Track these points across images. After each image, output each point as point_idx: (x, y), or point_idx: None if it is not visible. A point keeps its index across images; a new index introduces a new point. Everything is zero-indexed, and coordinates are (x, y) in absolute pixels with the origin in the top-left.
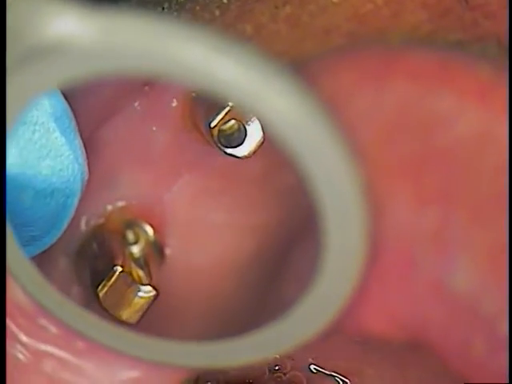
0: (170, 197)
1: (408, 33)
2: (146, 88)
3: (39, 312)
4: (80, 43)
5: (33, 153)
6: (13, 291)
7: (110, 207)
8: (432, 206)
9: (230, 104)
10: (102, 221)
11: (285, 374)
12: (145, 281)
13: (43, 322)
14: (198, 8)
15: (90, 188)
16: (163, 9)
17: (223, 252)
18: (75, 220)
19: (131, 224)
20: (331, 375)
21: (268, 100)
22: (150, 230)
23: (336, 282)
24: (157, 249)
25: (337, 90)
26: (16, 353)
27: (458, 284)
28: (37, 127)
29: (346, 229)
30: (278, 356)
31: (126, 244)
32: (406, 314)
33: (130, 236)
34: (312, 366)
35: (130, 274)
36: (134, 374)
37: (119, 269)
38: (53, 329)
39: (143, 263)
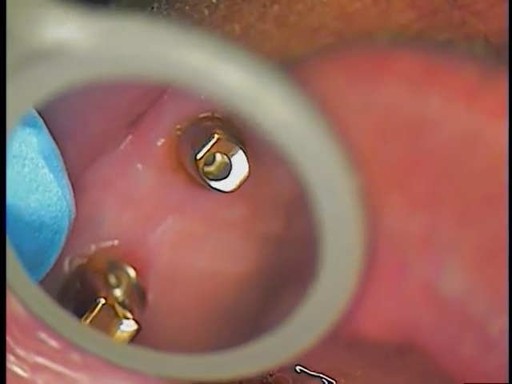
0: (153, 239)
1: (396, 32)
2: (132, 129)
3: (36, 325)
4: (79, 47)
5: (22, 185)
6: (10, 305)
7: (93, 247)
8: (421, 209)
9: (216, 136)
10: (84, 261)
11: (271, 376)
12: (128, 316)
13: (40, 335)
14: (187, 8)
15: (73, 228)
16: (152, 8)
17: (205, 298)
18: (58, 260)
19: (114, 266)
20: (318, 377)
21: (265, 103)
22: (132, 273)
23: (334, 290)
24: (139, 293)
25: (327, 93)
26: (12, 366)
27: (447, 287)
28: (26, 162)
29: (343, 234)
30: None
31: (109, 286)
32: (397, 318)
33: (112, 280)
34: (298, 368)
35: (113, 307)
36: None
37: (102, 301)
38: (49, 342)
39: (126, 303)
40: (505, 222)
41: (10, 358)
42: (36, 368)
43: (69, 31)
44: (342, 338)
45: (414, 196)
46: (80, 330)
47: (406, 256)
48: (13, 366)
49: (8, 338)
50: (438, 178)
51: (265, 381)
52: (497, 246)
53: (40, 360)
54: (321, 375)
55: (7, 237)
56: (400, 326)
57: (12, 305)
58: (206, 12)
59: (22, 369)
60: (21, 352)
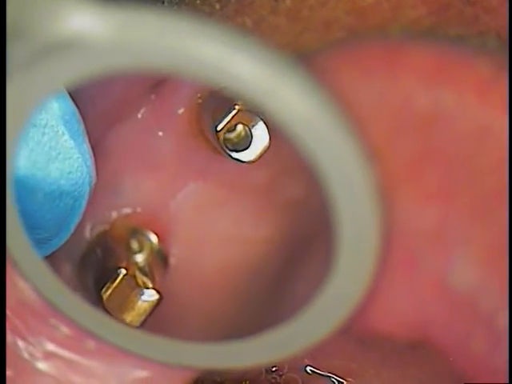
0: (175, 204)
1: (408, 27)
2: (153, 96)
3: (49, 311)
4: (95, 39)
5: (42, 155)
6: (22, 290)
7: (114, 214)
8: (433, 202)
9: (237, 108)
10: (106, 228)
11: (281, 376)
12: (149, 285)
13: (53, 321)
14: (198, 1)
15: (95, 194)
16: (163, 2)
17: (227, 263)
18: (80, 227)
19: (136, 232)
20: (328, 376)
21: (282, 96)
22: (154, 239)
23: (350, 281)
24: (161, 258)
25: (341, 86)
26: (23, 353)
27: (457, 280)
28: (46, 130)
29: (359, 226)
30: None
31: (131, 252)
32: (409, 311)
33: (134, 245)
34: (308, 368)
35: (134, 277)
36: (142, 374)
37: (123, 271)
38: (63, 329)
39: (147, 270)
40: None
41: (22, 345)
42: (48, 355)
43: (85, 23)
44: (355, 332)
45: (426, 189)
46: (94, 316)
47: (418, 249)
48: (25, 354)
49: (21, 325)
50: (450, 171)
51: (273, 381)
52: (506, 240)
53: (53, 347)
54: (330, 375)
55: (21, 221)
56: (411, 319)
57: (25, 291)
58: (217, 6)
59: (35, 356)
60: (33, 339)
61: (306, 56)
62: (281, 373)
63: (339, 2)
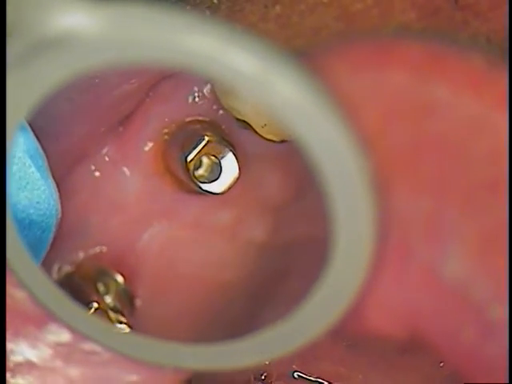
0: (140, 245)
1: (398, 32)
2: (120, 129)
3: (42, 318)
4: (87, 35)
5: (12, 183)
6: (17, 299)
7: (81, 254)
8: (426, 193)
9: (206, 139)
10: (73, 268)
11: (270, 383)
12: (121, 319)
13: (44, 327)
14: (188, 8)
15: (61, 234)
16: None
17: (193, 305)
18: (47, 267)
19: (102, 273)
20: (317, 381)
21: (275, 86)
22: (120, 280)
23: (344, 278)
24: (127, 299)
25: (335, 79)
26: (9, 362)
27: (450, 272)
28: (15, 160)
29: (355, 214)
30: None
31: (98, 293)
32: (400, 304)
33: (101, 288)
34: (297, 374)
35: (106, 312)
36: (133, 378)
37: (95, 305)
38: (52, 336)
39: (117, 309)
40: (507, 208)
41: (8, 350)
42: (36, 362)
43: (77, 19)
44: (346, 334)
45: (419, 179)
46: (86, 319)
47: (410, 241)
48: (9, 362)
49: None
50: (443, 162)
51: None
52: (500, 231)
53: (41, 354)
54: (319, 380)
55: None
56: (403, 312)
57: (18, 299)
58: (208, 12)
59: (21, 361)
60: (24, 346)
61: (300, 51)
62: (270, 380)
63: (328, 8)
